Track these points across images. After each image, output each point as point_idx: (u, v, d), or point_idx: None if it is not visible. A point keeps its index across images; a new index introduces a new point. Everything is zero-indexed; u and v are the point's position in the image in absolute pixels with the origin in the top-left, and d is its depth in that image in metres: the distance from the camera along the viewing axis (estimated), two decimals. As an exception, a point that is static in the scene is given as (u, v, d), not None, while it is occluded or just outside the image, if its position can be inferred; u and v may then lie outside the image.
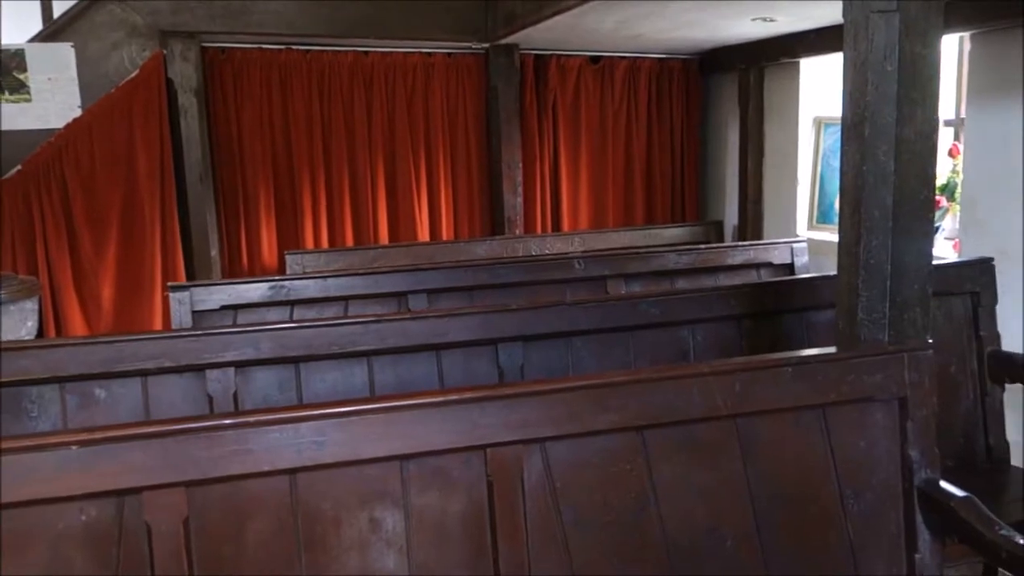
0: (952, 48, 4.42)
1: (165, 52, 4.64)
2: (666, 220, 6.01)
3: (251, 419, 1.61)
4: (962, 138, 4.34)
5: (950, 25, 3.70)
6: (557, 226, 5.83)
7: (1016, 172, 3.69)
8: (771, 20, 4.15)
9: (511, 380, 2.80)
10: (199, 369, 2.60)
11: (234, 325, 3.22)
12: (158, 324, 4.70)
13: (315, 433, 1.63)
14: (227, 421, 1.59)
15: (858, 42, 2.06)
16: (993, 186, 3.81)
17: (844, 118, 2.13)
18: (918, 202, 2.09)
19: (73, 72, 4.55)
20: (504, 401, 1.72)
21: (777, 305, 3.18)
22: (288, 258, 4.69)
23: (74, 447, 1.51)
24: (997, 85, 3.77)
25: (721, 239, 5.80)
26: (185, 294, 3.63)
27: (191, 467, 1.56)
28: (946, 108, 4.68)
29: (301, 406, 2.27)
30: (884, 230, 2.08)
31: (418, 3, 4.90)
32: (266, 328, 2.68)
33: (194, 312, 3.65)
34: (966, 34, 3.87)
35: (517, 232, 5.45)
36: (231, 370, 2.64)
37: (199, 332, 2.63)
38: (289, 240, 5.20)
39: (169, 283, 3.81)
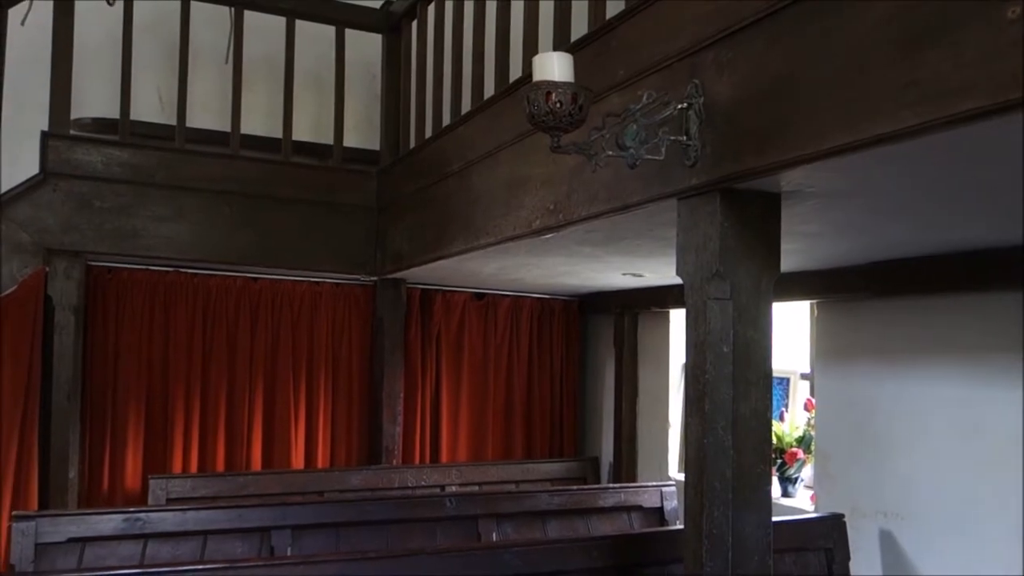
0: (805, 309, 4.79)
1: (48, 269, 4.62)
2: (545, 453, 6.07)
3: None
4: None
5: (800, 294, 4.07)
6: (436, 456, 5.81)
7: (863, 429, 3.94)
8: (639, 275, 4.46)
9: (365, 636, 2.72)
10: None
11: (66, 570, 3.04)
12: (-1, 553, 4.38)
13: None
14: None
15: (698, 324, 2.25)
16: (843, 442, 4.04)
17: (687, 393, 2.28)
18: (755, 475, 2.21)
19: (-51, 285, 4.48)
20: None
21: (640, 558, 3.21)
22: (151, 482, 4.53)
23: None
24: (841, 349, 4.09)
25: (597, 475, 5.88)
26: (30, 525, 3.46)
27: None
28: (802, 363, 5.02)
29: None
30: (725, 501, 2.18)
31: (310, 237, 5.07)
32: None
33: (37, 545, 3.46)
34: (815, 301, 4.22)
35: (395, 462, 5.40)
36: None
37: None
38: (156, 463, 5.00)
39: (14, 512, 3.62)
